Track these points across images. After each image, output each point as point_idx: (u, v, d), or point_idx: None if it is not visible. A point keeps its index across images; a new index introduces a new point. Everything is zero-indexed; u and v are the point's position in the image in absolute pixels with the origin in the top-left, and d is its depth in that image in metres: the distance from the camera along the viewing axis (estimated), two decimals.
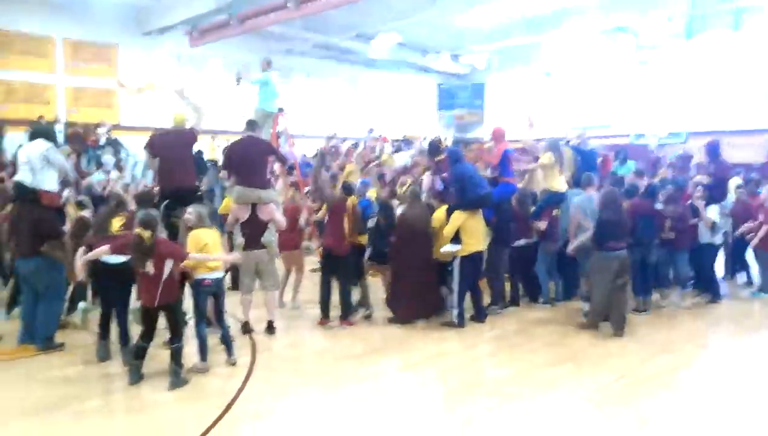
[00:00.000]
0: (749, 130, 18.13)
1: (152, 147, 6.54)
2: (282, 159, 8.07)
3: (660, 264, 7.94)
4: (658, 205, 7.85)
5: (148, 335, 5.21)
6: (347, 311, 6.99)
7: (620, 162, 11.05)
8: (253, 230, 6.40)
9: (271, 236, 6.56)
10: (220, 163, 14.08)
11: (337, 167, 12.82)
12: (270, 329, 6.59)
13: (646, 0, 15.54)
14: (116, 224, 5.72)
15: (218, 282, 5.65)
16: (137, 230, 5.04)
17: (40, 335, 5.93)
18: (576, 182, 8.26)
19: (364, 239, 7.25)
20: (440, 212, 7.28)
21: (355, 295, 7.30)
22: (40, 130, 6.42)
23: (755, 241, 8.36)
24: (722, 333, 7.27)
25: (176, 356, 5.19)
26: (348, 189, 7.26)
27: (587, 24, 17.69)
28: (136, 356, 5.24)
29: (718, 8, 16.99)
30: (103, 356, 5.71)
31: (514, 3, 16.11)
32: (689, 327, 7.18)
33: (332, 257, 6.89)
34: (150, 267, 5.00)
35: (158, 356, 5.52)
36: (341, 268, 6.92)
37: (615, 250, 6.70)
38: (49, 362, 5.70)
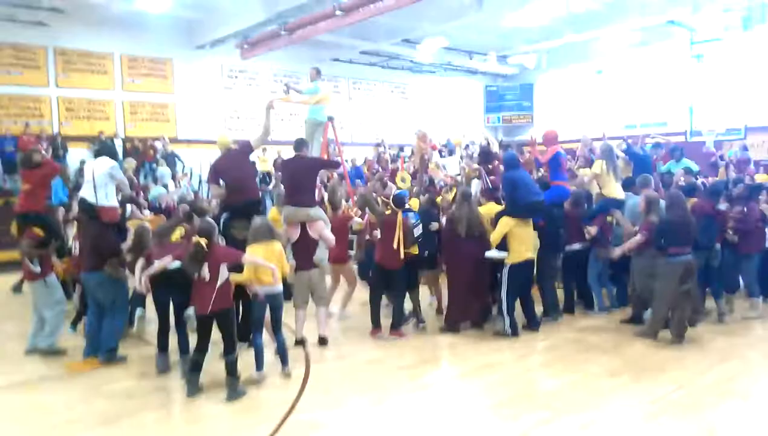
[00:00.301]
0: None
1: (215, 176, 6.78)
2: (333, 165, 8.36)
3: (725, 269, 7.59)
4: (721, 206, 7.55)
5: (202, 346, 5.33)
6: (398, 322, 7.01)
7: (676, 160, 10.73)
8: (304, 249, 6.56)
9: (322, 254, 6.67)
10: (271, 175, 14.45)
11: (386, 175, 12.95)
12: (321, 342, 6.68)
13: None
14: (176, 234, 5.89)
15: (274, 295, 5.69)
16: (195, 238, 5.20)
17: (103, 348, 6.17)
18: (626, 185, 8.10)
19: (415, 250, 7.21)
20: (487, 208, 7.27)
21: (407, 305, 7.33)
22: (105, 149, 6.78)
23: None
24: None
25: (232, 368, 5.30)
26: (398, 202, 7.20)
27: (640, 19, 17.23)
28: (192, 368, 5.37)
29: None
30: (163, 368, 5.89)
31: (563, 1, 15.84)
32: (752, 335, 6.94)
33: (384, 272, 6.93)
34: (205, 272, 5.12)
35: (215, 367, 5.66)
36: (393, 281, 6.97)
37: (680, 254, 6.48)
38: (111, 375, 5.91)
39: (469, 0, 16.01)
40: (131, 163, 13.10)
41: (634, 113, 20.75)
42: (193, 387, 5.31)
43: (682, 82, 20.01)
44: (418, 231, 7.10)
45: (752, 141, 16.82)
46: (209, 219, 5.63)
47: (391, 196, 7.49)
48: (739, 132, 18.17)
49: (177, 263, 5.49)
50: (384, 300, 7.33)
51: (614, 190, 7.81)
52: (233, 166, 6.64)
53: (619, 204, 7.79)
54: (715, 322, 7.31)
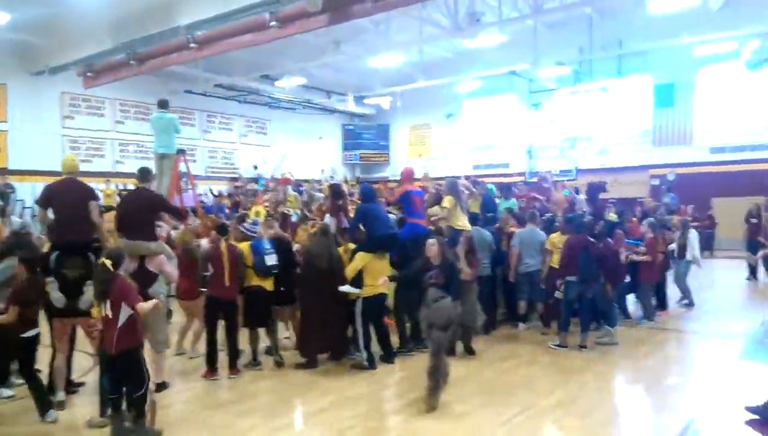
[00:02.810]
0: (633, 167, 19.54)
1: (45, 199, 6.10)
2: (175, 214, 7.48)
3: (597, 300, 8.00)
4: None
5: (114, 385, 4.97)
6: (234, 359, 6.73)
7: (504, 198, 11.43)
8: (140, 283, 5.85)
9: (159, 289, 6.20)
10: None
11: (242, 210, 12.65)
12: (160, 388, 6.09)
13: (539, 47, 16.54)
14: None
15: None
16: (101, 260, 4.90)
17: None
18: (473, 220, 8.56)
19: (267, 284, 7.01)
20: (347, 248, 7.30)
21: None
22: None
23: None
24: (615, 360, 7.57)
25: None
26: (221, 230, 6.91)
27: (485, 69, 18.58)
28: (113, 410, 4.95)
29: (603, 55, 18.37)
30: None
31: (416, 49, 16.70)
32: (586, 356, 7.48)
33: (217, 304, 6.65)
34: (106, 308, 4.81)
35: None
36: (226, 314, 6.68)
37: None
38: None
39: (326, 41, 16.38)
40: None
41: (481, 155, 22.17)
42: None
43: (521, 128, 21.77)
44: (270, 260, 6.95)
45: (582, 182, 18.57)
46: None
47: (216, 225, 7.24)
48: (570, 172, 20.00)
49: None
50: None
51: (462, 221, 8.20)
52: (71, 200, 5.94)
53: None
54: (555, 347, 7.80)
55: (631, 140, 19.81)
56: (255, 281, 6.93)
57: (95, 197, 6.21)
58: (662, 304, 9.82)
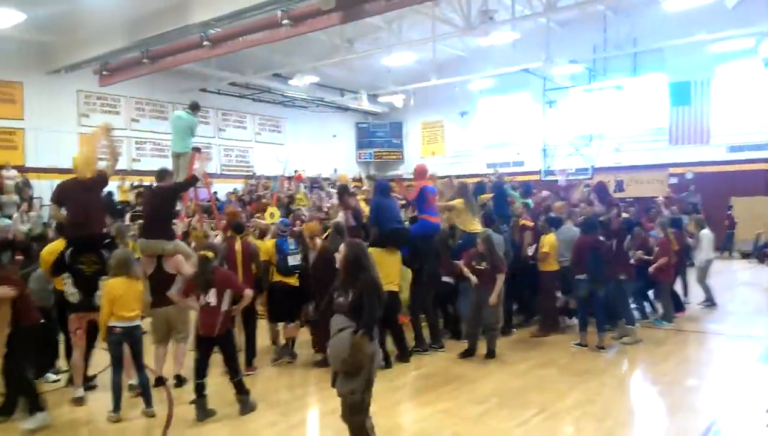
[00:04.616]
0: (649, 166, 19.33)
1: (58, 196, 6.21)
2: (189, 183, 7.44)
3: (612, 298, 7.96)
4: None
5: (203, 369, 5.34)
6: (250, 356, 6.82)
7: (522, 196, 11.27)
8: (159, 284, 6.06)
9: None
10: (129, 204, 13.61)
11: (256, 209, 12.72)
12: (179, 382, 6.23)
13: (552, 45, 16.40)
14: None
15: (130, 330, 5.40)
16: (202, 252, 5.40)
17: None
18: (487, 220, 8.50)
19: (292, 280, 7.10)
20: None
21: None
22: None
23: (652, 269, 8.79)
24: (633, 361, 7.50)
25: (240, 387, 5.49)
26: (236, 228, 7.00)
27: (498, 67, 18.43)
28: (200, 394, 5.30)
29: (618, 53, 18.19)
30: None
31: (429, 47, 16.64)
32: (604, 357, 7.41)
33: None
34: (211, 297, 5.22)
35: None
36: (241, 312, 6.64)
37: None
38: None
39: (340, 39, 16.36)
40: None
41: (495, 154, 22.05)
42: (204, 411, 5.32)
43: (536, 126, 21.59)
44: (294, 260, 7.02)
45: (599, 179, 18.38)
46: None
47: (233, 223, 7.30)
48: (587, 171, 19.82)
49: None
50: None
51: (473, 224, 8.12)
52: (82, 197, 6.02)
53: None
54: (572, 347, 7.74)
55: (647, 138, 19.57)
56: (278, 277, 7.10)
57: (106, 181, 6.32)
58: (678, 305, 9.66)
